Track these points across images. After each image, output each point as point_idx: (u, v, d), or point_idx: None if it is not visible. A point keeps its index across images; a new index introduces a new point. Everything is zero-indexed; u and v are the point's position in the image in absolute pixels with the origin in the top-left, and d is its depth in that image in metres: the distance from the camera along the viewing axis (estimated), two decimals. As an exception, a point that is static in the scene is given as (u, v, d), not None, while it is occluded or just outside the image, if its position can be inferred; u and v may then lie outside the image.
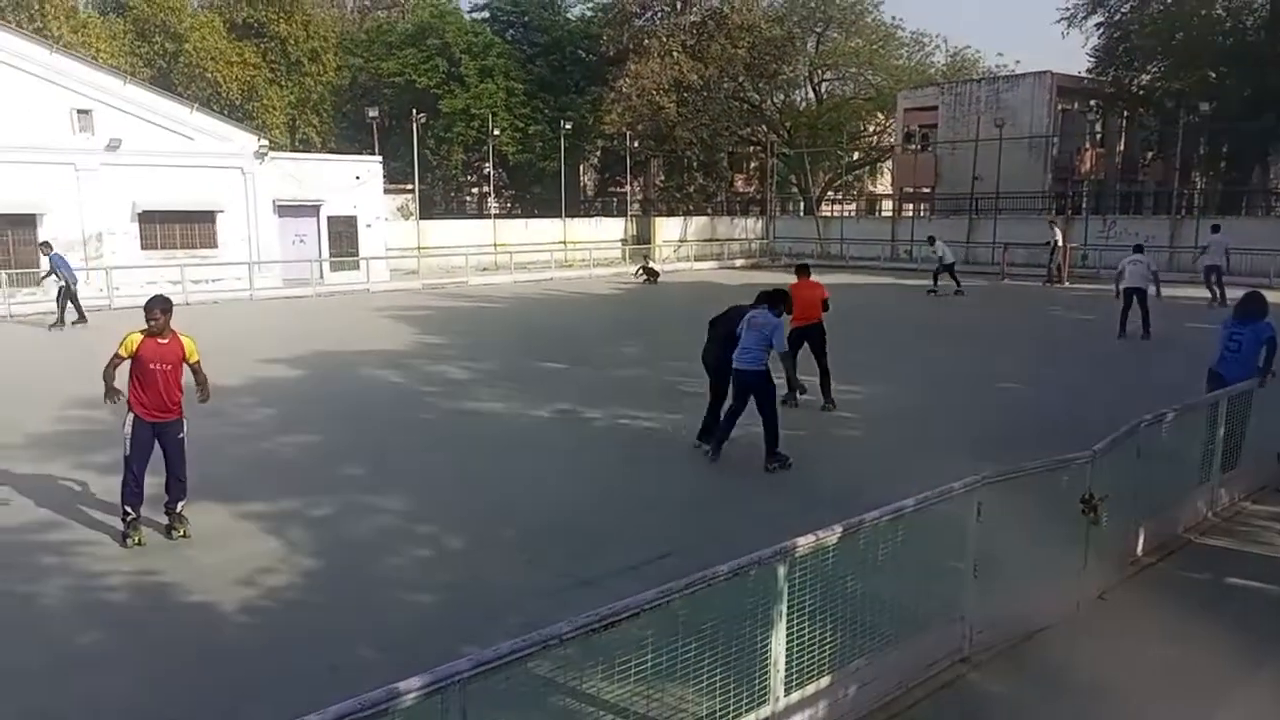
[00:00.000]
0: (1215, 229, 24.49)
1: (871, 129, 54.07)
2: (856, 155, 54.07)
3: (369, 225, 30.52)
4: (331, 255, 29.60)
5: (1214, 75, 37.14)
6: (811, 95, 52.84)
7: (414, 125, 35.31)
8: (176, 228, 26.90)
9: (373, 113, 34.90)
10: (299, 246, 29.07)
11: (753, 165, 54.97)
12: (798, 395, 10.33)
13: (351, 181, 30.17)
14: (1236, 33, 37.07)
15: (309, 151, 39.00)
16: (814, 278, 12.32)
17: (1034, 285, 28.06)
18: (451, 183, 49.55)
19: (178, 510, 7.22)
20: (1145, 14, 39.03)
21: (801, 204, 49.95)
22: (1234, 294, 19.29)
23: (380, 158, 32.63)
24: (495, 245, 36.66)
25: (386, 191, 34.58)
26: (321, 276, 28.79)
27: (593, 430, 10.80)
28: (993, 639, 5.36)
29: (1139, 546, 6.66)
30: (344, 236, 29.98)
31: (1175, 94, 37.66)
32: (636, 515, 7.79)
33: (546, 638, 3.30)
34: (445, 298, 26.64)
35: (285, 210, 28.65)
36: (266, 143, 29.01)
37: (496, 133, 41.15)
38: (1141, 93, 40.54)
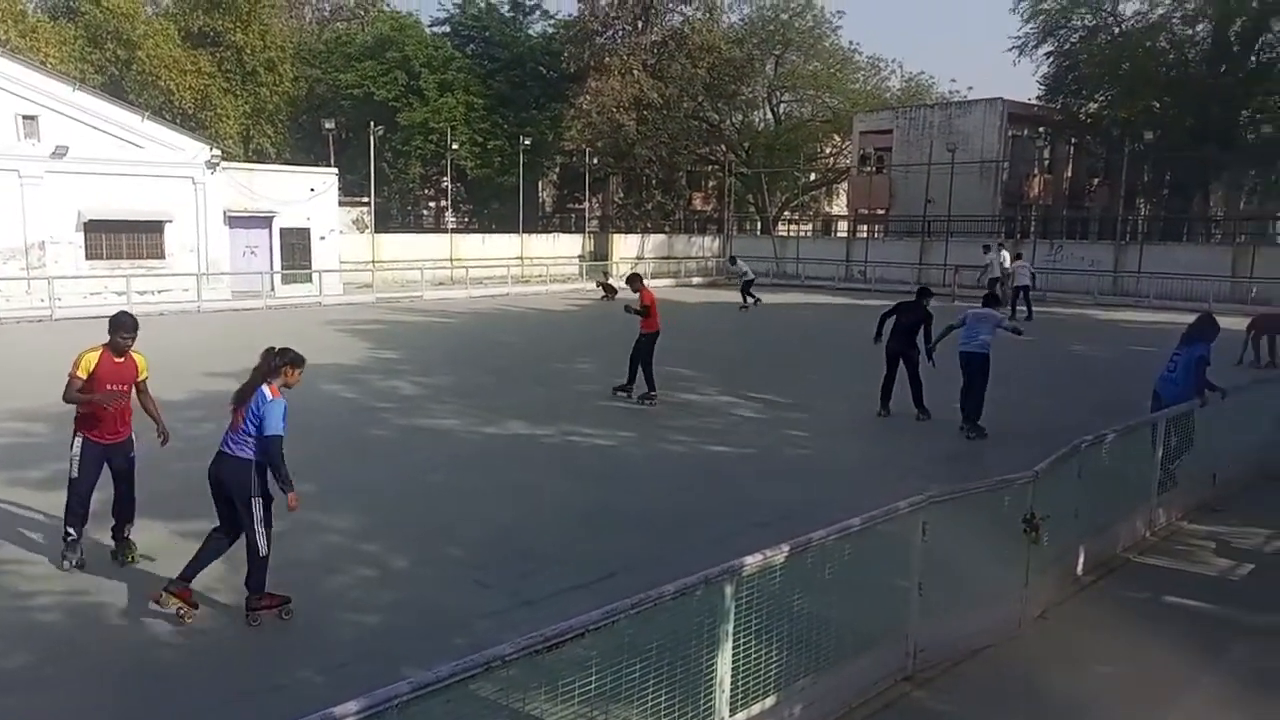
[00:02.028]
0: (986, 249, 27.77)
1: (828, 150, 54.85)
2: (813, 176, 54.78)
3: (323, 238, 30.19)
4: (284, 267, 29.19)
5: (1158, 105, 38.32)
6: (770, 116, 53.48)
7: (371, 138, 35.06)
8: (123, 237, 26.35)
9: (329, 124, 34.58)
10: (250, 258, 28.64)
11: (711, 184, 55.39)
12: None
13: (306, 193, 29.83)
14: (1179, 65, 38.32)
15: (263, 162, 38.53)
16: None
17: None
18: (409, 196, 49.25)
19: (125, 535, 6.94)
20: (1093, 44, 40.19)
21: (759, 223, 50.44)
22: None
23: (336, 170, 32.33)
24: (452, 260, 36.44)
25: (342, 204, 34.24)
26: (273, 289, 28.37)
27: (545, 448, 10.75)
28: (937, 657, 5.41)
29: (1079, 565, 6.79)
30: (297, 249, 29.61)
31: (1121, 122, 38.78)
32: (585, 534, 7.75)
33: (489, 659, 3.26)
34: (400, 312, 26.39)
35: (237, 221, 28.23)
36: (219, 152, 28.58)
37: (455, 147, 41.01)
38: (1089, 120, 41.66)
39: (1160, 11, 39.20)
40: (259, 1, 43.16)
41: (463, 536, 7.63)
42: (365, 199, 37.55)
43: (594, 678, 3.69)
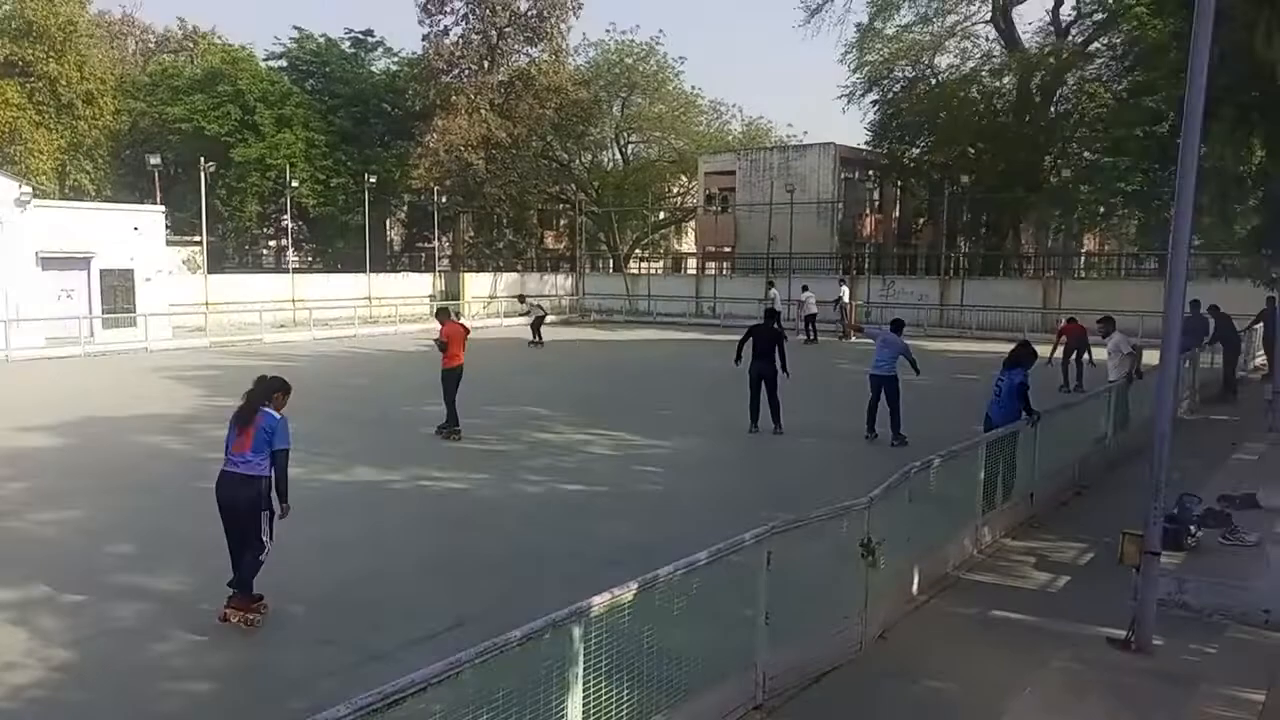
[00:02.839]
0: (770, 284, 32.31)
1: (676, 190, 56.30)
2: (662, 215, 56.03)
3: (148, 279, 28.35)
4: (104, 311, 27.22)
5: (973, 151, 41.45)
6: (618, 156, 54.49)
7: (202, 174, 33.38)
8: (-84, 281, 23.92)
9: (155, 160, 32.74)
10: (66, 302, 26.55)
11: (562, 223, 55.74)
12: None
13: (129, 232, 28.01)
14: (990, 114, 41.63)
15: (81, 199, 36.03)
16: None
17: (827, 340, 29.81)
18: (245, 235, 47.12)
19: None
20: (913, 94, 43.13)
21: (610, 261, 51.08)
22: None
23: (163, 208, 30.59)
24: (294, 301, 35.01)
25: (170, 243, 32.38)
26: (92, 334, 26.38)
27: (394, 494, 10.41)
28: (784, 684, 5.53)
29: (914, 585, 7.13)
30: (119, 291, 27.66)
31: (940, 167, 41.70)
32: (436, 582, 7.54)
33: (321, 723, 3.10)
34: (236, 356, 25.06)
35: (50, 263, 26.14)
36: (29, 189, 26.47)
37: (295, 184, 39.60)
38: (912, 165, 44.55)
39: (971, 65, 42.72)
40: (75, 30, 40.58)
41: (305, 592, 7.25)
42: (197, 238, 35.64)
43: (438, 733, 3.56)
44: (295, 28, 48.10)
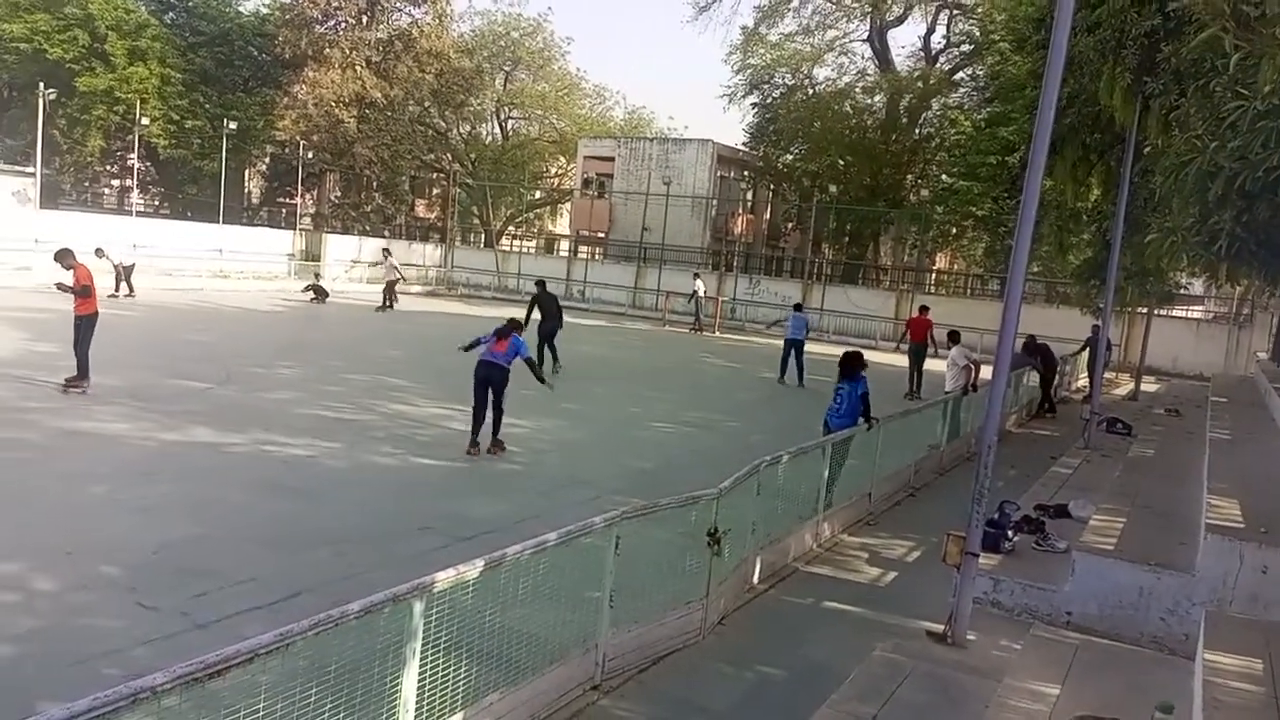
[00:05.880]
0: (386, 255, 30.51)
1: (554, 170, 55.86)
2: (538, 194, 55.52)
3: (-30, 209, 25.90)
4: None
5: (842, 163, 43.01)
6: (498, 130, 53.55)
7: (41, 100, 30.70)
8: None
9: (-14, 79, 29.83)
10: None
11: (435, 192, 54.35)
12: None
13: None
14: (860, 129, 43.33)
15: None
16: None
17: (682, 333, 30.32)
18: (86, 171, 43.65)
19: None
20: (791, 101, 44.40)
21: (482, 236, 50.22)
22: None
23: (-9, 131, 27.90)
24: (136, 246, 32.70)
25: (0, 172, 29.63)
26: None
27: (233, 457, 9.91)
28: (624, 665, 5.63)
29: (755, 575, 7.37)
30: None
31: (811, 174, 43.11)
32: (272, 551, 7.23)
33: (137, 690, 2.93)
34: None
35: None
36: None
37: (146, 122, 36.93)
38: (785, 169, 45.86)
39: (846, 80, 44.44)
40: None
41: (126, 555, 6.83)
42: (30, 169, 32.76)
43: (263, 703, 3.43)
44: (159, -46, 44.71)
